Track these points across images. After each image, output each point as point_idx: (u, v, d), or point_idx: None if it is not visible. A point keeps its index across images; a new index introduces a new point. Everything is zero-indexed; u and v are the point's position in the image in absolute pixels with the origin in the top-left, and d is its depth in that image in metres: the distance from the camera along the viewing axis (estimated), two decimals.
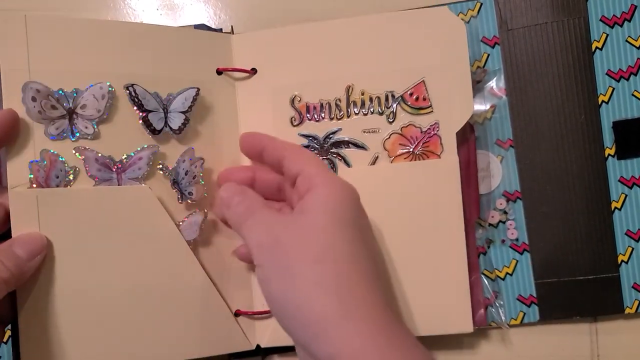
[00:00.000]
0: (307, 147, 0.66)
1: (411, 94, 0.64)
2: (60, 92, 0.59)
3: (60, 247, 0.58)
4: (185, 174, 0.61)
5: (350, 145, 0.65)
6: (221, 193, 0.59)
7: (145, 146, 0.61)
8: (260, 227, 0.54)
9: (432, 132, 0.64)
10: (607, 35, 0.67)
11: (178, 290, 0.61)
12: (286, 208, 0.62)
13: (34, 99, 0.57)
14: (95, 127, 0.60)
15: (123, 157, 0.61)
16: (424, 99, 0.64)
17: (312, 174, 0.56)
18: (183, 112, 0.62)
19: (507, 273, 0.68)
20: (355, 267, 0.51)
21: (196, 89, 0.62)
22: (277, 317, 0.53)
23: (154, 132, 0.61)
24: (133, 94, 0.60)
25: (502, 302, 0.67)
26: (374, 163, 0.65)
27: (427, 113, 0.64)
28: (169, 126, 0.62)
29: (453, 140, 0.64)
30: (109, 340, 0.60)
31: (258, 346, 0.66)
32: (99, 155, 0.60)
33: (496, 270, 0.68)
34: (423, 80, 0.64)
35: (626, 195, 0.67)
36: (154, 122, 0.61)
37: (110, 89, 0.60)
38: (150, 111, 0.61)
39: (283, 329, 0.53)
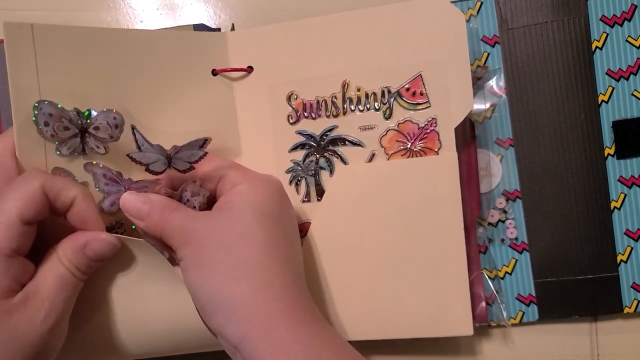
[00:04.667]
0: (303, 144, 0.66)
1: (408, 89, 0.64)
2: (75, 112, 0.58)
3: None
4: (187, 202, 0.61)
5: (346, 142, 0.65)
6: (126, 208, 0.59)
7: (150, 180, 0.61)
8: (180, 227, 0.56)
9: (430, 128, 0.63)
10: (607, 34, 0.67)
11: (178, 318, 0.60)
12: None
13: (46, 124, 0.57)
14: (107, 147, 0.60)
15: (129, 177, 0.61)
16: (421, 94, 0.63)
17: (235, 174, 0.59)
18: (189, 162, 0.61)
19: (507, 272, 0.68)
20: (268, 254, 0.54)
21: (201, 143, 0.60)
22: (197, 307, 0.56)
23: (157, 174, 0.61)
24: (131, 158, 0.60)
25: (503, 299, 0.67)
26: (370, 160, 0.64)
27: (424, 108, 0.63)
28: (173, 167, 0.61)
29: (451, 136, 0.63)
30: (114, 336, 0.61)
31: None
32: (108, 171, 0.60)
33: (495, 270, 0.67)
34: (420, 75, 0.63)
35: (625, 195, 0.67)
36: (156, 168, 0.61)
37: (123, 121, 0.60)
38: (151, 163, 0.61)
39: (202, 320, 0.56)
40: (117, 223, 0.62)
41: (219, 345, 0.61)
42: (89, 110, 0.59)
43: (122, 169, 0.61)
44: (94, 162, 0.60)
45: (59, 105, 0.58)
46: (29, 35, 0.57)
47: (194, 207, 0.61)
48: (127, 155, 0.60)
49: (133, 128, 0.60)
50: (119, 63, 0.62)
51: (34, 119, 0.57)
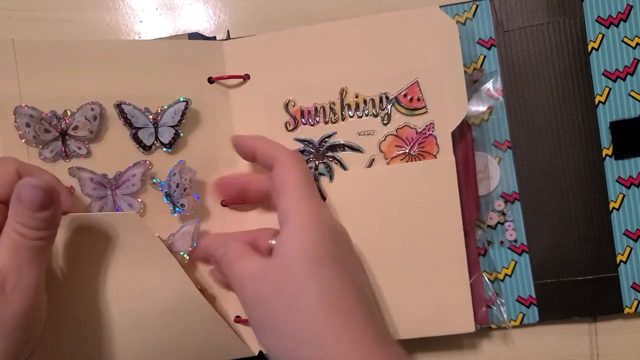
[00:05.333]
0: (302, 151, 0.65)
1: (405, 95, 0.64)
2: (52, 114, 0.60)
3: (59, 265, 0.60)
4: (177, 187, 0.62)
5: (346, 148, 0.65)
6: (205, 245, 0.62)
7: (138, 162, 0.63)
8: (242, 281, 0.55)
9: (428, 133, 0.64)
10: (603, 35, 0.67)
11: (172, 303, 0.61)
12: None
13: (27, 125, 0.59)
14: (88, 147, 0.61)
15: (116, 174, 0.62)
16: (418, 100, 0.64)
17: (287, 206, 0.56)
18: (173, 127, 0.63)
19: (506, 274, 0.68)
20: (330, 307, 0.52)
21: (185, 103, 0.63)
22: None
23: (144, 148, 0.62)
24: (122, 112, 0.61)
25: (503, 301, 0.67)
26: (370, 165, 0.65)
27: (421, 114, 0.64)
28: (159, 141, 0.63)
29: (448, 140, 0.64)
30: (108, 349, 0.61)
31: (261, 353, 0.65)
32: (94, 175, 0.61)
33: (494, 272, 0.68)
34: (417, 81, 0.64)
35: (624, 195, 0.67)
36: (144, 138, 0.62)
37: (101, 110, 0.61)
38: (140, 128, 0.62)
39: None
40: None
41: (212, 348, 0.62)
42: (66, 110, 0.60)
43: (105, 168, 0.62)
44: (79, 167, 0.61)
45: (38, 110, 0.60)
46: (10, 49, 0.60)
47: (185, 189, 0.62)
48: (116, 106, 0.62)
49: (120, 104, 0.62)
50: (107, 75, 0.63)
51: (15, 124, 0.59)
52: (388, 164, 0.64)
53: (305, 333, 0.51)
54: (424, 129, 0.64)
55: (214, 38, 0.70)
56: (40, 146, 0.60)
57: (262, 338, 0.54)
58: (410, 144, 0.64)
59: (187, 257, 0.62)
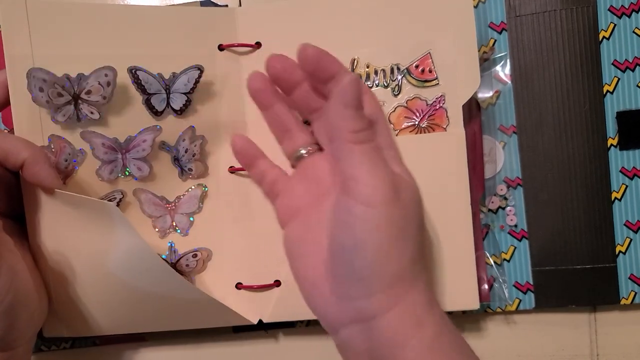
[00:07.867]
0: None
1: (417, 66, 0.64)
2: (66, 78, 0.59)
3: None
4: (185, 152, 0.62)
5: None
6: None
7: (149, 127, 0.62)
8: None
9: (438, 105, 0.63)
10: (615, 25, 0.67)
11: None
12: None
13: (41, 90, 0.58)
14: (101, 112, 0.61)
15: (127, 138, 0.62)
16: (430, 72, 0.63)
17: (350, 169, 0.48)
18: (185, 93, 0.63)
19: (505, 259, 0.68)
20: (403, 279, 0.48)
21: (199, 71, 0.62)
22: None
23: (156, 113, 0.62)
24: (137, 79, 0.61)
25: (505, 279, 0.67)
26: None
27: (432, 85, 0.64)
28: (170, 107, 0.62)
29: (459, 113, 0.63)
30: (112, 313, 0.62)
31: (260, 321, 0.66)
32: (105, 139, 0.61)
33: (494, 256, 0.67)
34: (429, 53, 0.63)
35: (627, 186, 0.67)
36: (156, 104, 0.62)
37: (115, 76, 0.60)
38: (153, 94, 0.62)
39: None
40: (117, 192, 0.63)
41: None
42: (80, 74, 0.60)
43: (116, 132, 0.62)
44: (91, 130, 0.61)
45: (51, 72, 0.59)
46: (22, 8, 0.60)
47: (194, 155, 0.63)
48: (130, 71, 0.61)
49: (134, 70, 0.61)
50: (120, 38, 0.63)
51: (28, 87, 0.59)
52: (397, 136, 0.64)
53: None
54: (435, 101, 0.63)
55: (226, 6, 0.69)
56: (53, 110, 0.60)
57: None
58: (420, 116, 0.64)
59: (193, 220, 0.63)
